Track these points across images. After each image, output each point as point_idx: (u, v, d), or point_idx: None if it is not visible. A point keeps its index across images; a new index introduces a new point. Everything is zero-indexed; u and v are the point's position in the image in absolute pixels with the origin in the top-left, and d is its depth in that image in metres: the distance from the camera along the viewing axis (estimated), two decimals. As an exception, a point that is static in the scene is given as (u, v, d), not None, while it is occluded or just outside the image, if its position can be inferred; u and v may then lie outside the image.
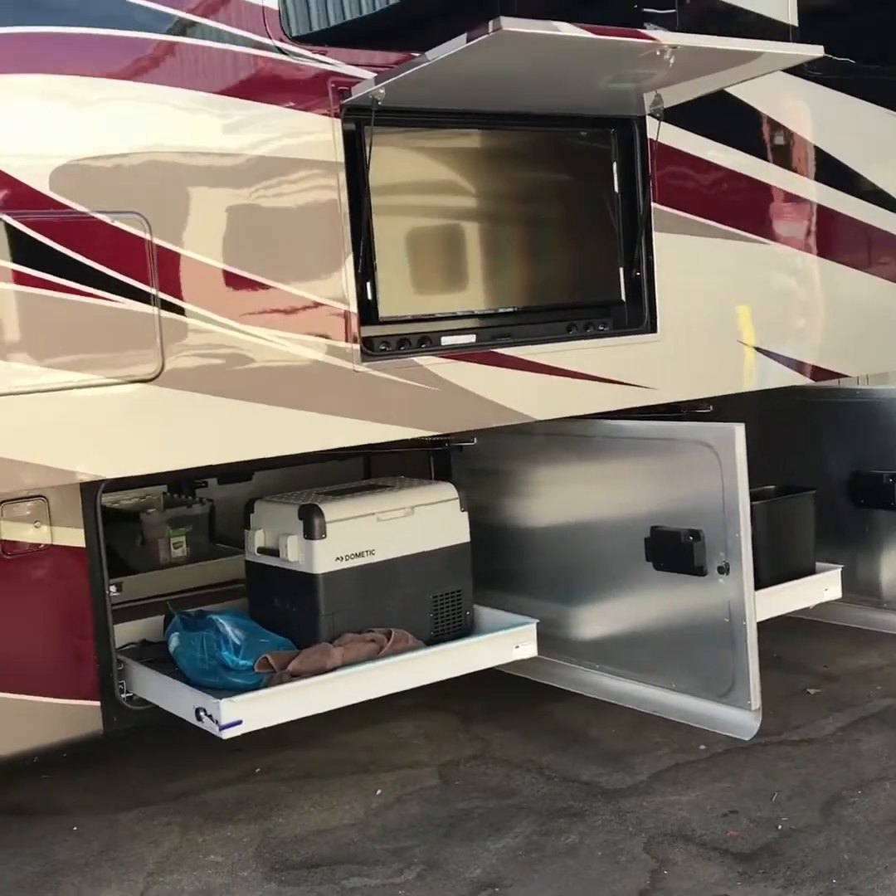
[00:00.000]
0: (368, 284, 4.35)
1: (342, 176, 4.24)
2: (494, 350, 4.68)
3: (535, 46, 3.82)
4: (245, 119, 4.08)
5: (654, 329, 5.11)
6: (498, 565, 5.40)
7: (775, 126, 5.56)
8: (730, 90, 5.01)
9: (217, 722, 4.22)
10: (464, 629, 5.17)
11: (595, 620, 5.12)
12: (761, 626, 5.87)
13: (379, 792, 5.02)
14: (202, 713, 4.28)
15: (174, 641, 4.96)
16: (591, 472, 5.02)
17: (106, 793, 5.17)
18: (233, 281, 4.08)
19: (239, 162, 4.10)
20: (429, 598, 5.06)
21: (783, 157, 5.60)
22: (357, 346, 4.30)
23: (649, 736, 5.35)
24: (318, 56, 4.23)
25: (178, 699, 4.48)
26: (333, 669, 4.64)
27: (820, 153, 5.80)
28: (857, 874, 4.12)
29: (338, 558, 4.78)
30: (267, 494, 5.27)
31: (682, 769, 5.06)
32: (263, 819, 4.84)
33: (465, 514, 5.16)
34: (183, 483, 6.67)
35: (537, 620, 5.00)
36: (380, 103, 4.12)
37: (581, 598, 5.13)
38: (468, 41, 3.73)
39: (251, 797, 5.03)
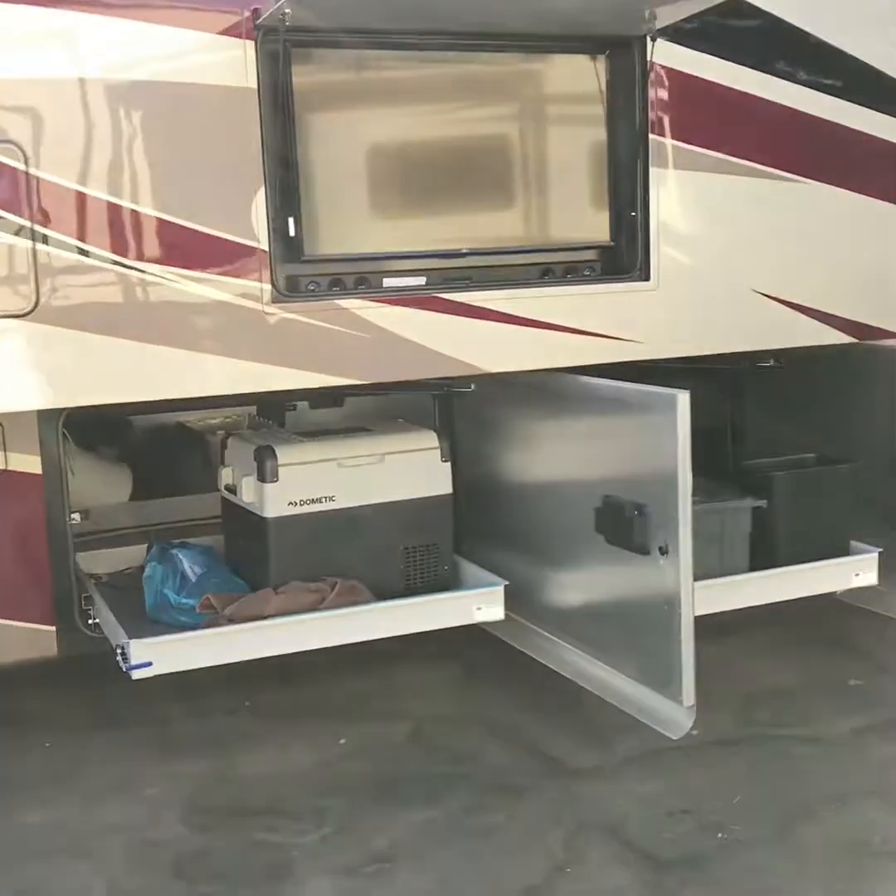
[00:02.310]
0: (291, 220, 4.05)
1: (254, 102, 3.95)
2: (439, 295, 4.30)
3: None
4: (141, 42, 3.87)
5: (647, 276, 4.57)
6: (489, 518, 5.08)
7: (802, 37, 4.76)
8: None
9: (127, 660, 4.15)
10: (441, 583, 4.92)
11: (560, 588, 4.77)
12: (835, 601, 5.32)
13: (343, 741, 4.88)
14: (119, 650, 4.23)
15: (147, 571, 4.95)
16: (564, 428, 4.64)
17: (104, 709, 5.21)
18: (123, 215, 3.93)
19: (133, 88, 3.91)
20: (400, 550, 4.83)
21: (814, 75, 4.81)
22: (268, 286, 4.04)
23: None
24: (228, -28, 3.94)
25: (110, 632, 4.45)
26: (269, 617, 4.44)
27: (862, 69, 4.94)
28: (771, 905, 3.66)
29: (291, 503, 4.61)
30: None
31: (662, 755, 4.69)
32: (223, 757, 4.83)
33: (447, 464, 4.86)
34: (271, 406, 6.60)
35: (506, 583, 4.67)
36: (289, 23, 3.78)
37: (551, 561, 4.78)
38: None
39: (222, 733, 5.00)
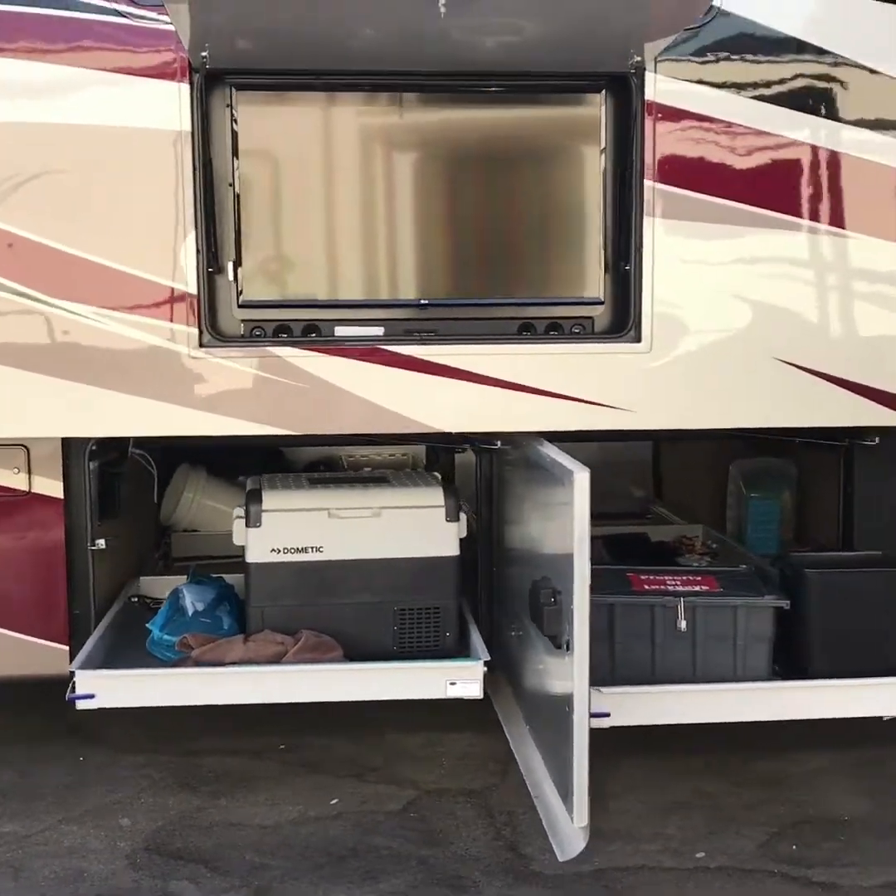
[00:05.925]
0: (231, 264, 3.98)
1: (187, 145, 3.91)
2: (389, 348, 4.06)
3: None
4: (75, 87, 3.92)
5: (638, 338, 4.09)
6: (502, 586, 4.75)
7: (835, 63, 4.05)
8: (764, 22, 3.77)
9: (72, 690, 4.24)
10: (442, 650, 4.65)
11: (524, 671, 4.33)
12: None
13: (334, 802, 4.75)
14: (73, 678, 4.32)
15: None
16: (530, 495, 4.23)
17: (144, 733, 5.33)
18: (49, 256, 3.97)
19: (64, 132, 3.96)
20: (392, 610, 4.61)
21: (847, 110, 4.08)
22: (195, 331, 3.98)
23: (672, 823, 4.50)
24: (162, 18, 3.92)
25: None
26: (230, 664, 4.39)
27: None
28: None
29: (273, 550, 4.53)
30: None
31: (639, 873, 4.20)
32: (215, 796, 4.80)
33: (453, 524, 4.59)
34: (438, 445, 6.55)
35: (487, 658, 4.34)
36: (208, 65, 3.72)
37: (522, 639, 4.36)
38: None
39: (235, 772, 4.99)
